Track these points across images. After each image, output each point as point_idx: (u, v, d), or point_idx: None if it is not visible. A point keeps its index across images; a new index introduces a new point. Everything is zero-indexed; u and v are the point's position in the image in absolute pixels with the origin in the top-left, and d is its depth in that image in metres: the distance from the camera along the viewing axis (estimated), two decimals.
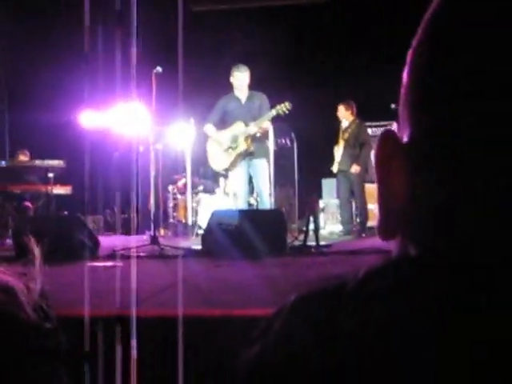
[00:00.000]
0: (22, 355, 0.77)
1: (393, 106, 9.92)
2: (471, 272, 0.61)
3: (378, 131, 13.28)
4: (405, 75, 0.72)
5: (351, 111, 11.77)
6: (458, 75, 0.64)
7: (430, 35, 0.69)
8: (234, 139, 9.68)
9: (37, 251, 0.94)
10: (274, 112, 9.44)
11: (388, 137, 0.73)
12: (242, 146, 9.63)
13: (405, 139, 0.71)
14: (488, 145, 0.62)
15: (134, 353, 2.84)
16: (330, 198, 13.85)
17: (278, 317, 0.72)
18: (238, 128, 9.67)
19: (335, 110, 11.99)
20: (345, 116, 11.82)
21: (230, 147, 9.73)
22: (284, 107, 9.38)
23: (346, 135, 11.65)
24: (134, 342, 2.90)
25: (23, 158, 12.39)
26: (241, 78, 9.72)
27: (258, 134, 9.67)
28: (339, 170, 11.96)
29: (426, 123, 0.68)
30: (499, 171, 0.61)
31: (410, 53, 0.72)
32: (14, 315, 0.79)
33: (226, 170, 10.18)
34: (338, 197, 12.64)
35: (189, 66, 8.82)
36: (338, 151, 11.83)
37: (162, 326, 3.23)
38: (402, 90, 0.73)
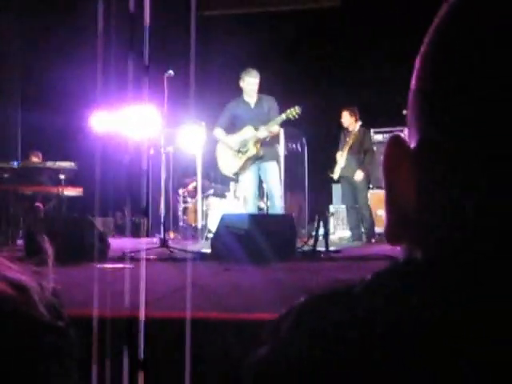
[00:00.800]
0: (34, 353, 0.78)
1: (405, 112, 9.89)
2: (477, 273, 0.61)
3: (388, 137, 13.26)
4: (413, 81, 0.73)
5: (355, 118, 11.76)
6: (465, 81, 0.64)
7: (438, 42, 0.69)
8: (244, 143, 9.68)
9: (50, 250, 0.95)
10: (283, 116, 9.43)
11: (396, 142, 0.73)
12: (252, 151, 9.64)
13: (413, 145, 0.71)
14: (496, 151, 0.61)
15: (141, 354, 2.85)
16: (339, 203, 13.84)
17: (286, 318, 0.72)
18: (248, 132, 9.67)
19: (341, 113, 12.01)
20: (349, 122, 11.79)
21: (240, 151, 9.74)
22: (294, 111, 9.37)
23: (350, 142, 11.63)
24: (141, 344, 2.91)
25: (35, 159, 12.44)
26: (251, 82, 9.72)
27: (268, 138, 9.67)
28: (342, 176, 11.96)
29: (434, 129, 0.68)
30: (507, 177, 0.61)
31: (417, 59, 0.72)
32: (28, 313, 0.79)
33: (236, 174, 10.18)
34: (343, 203, 12.62)
35: (200, 69, 8.84)
36: (342, 157, 11.81)
37: (170, 328, 3.24)
38: (410, 96, 0.73)
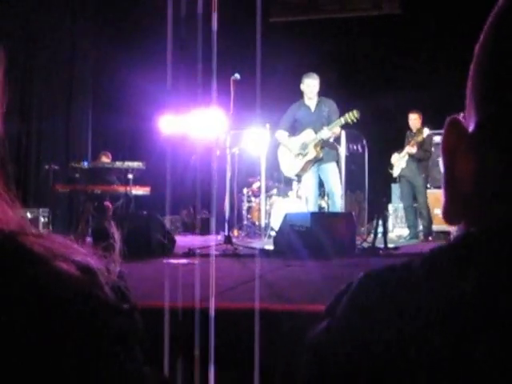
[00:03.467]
0: (100, 334, 0.78)
1: (461, 114, 9.80)
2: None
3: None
4: (472, 67, 0.74)
5: (421, 120, 11.72)
6: None
7: (496, 28, 0.70)
8: (304, 146, 9.70)
9: (117, 235, 0.97)
10: (342, 120, 9.44)
11: (454, 124, 0.75)
12: (312, 153, 9.65)
13: (471, 128, 0.73)
14: None
15: (212, 341, 2.90)
16: (399, 202, 13.75)
17: (345, 293, 0.73)
18: (308, 135, 9.69)
19: (403, 117, 11.95)
20: (416, 124, 11.75)
21: (300, 154, 9.76)
22: (352, 115, 9.37)
23: (413, 143, 11.55)
24: (212, 332, 2.96)
25: (106, 159, 12.56)
26: (311, 84, 9.73)
27: (332, 139, 9.69)
28: (402, 176, 11.90)
29: (492, 112, 0.69)
30: None
31: (477, 46, 0.74)
32: (94, 295, 0.79)
33: (297, 176, 10.21)
34: (402, 201, 12.52)
35: (266, 73, 8.89)
36: (403, 157, 11.75)
37: (238, 318, 3.28)
38: (469, 82, 0.75)
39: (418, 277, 0.67)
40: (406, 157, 11.66)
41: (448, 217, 0.76)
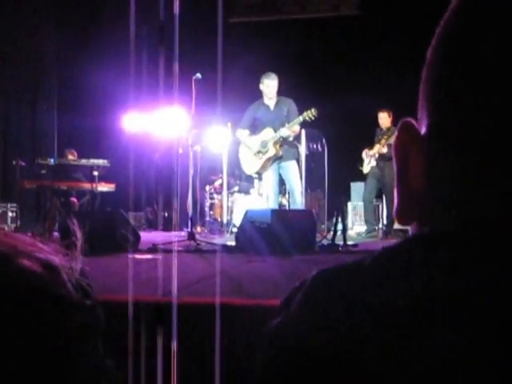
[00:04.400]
0: (61, 330, 0.77)
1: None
2: (482, 245, 0.62)
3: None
4: (424, 70, 0.75)
5: (391, 119, 11.68)
6: (473, 70, 0.66)
7: (447, 32, 0.71)
8: (264, 144, 9.73)
9: (79, 233, 0.95)
10: (300, 118, 9.49)
11: (407, 127, 0.75)
12: (272, 151, 9.69)
13: (423, 130, 0.74)
14: (503, 135, 0.64)
15: (174, 335, 2.92)
16: (358, 200, 13.83)
17: (299, 290, 0.73)
18: (268, 134, 9.73)
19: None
20: (386, 123, 11.70)
21: (260, 152, 9.79)
22: (310, 113, 9.42)
23: (383, 142, 11.53)
24: (174, 327, 2.98)
25: (71, 157, 12.55)
26: (270, 84, 9.75)
27: (292, 138, 9.72)
28: (372, 173, 11.91)
29: (443, 115, 0.70)
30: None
31: (429, 50, 0.74)
32: (56, 291, 0.79)
33: (257, 174, 10.23)
34: (365, 197, 12.50)
35: (227, 73, 8.89)
36: (371, 155, 11.75)
37: (200, 312, 3.30)
38: (421, 85, 0.75)
39: (366, 275, 0.68)
40: (377, 155, 11.68)
41: (400, 217, 0.77)
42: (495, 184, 0.65)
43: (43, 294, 0.78)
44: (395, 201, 0.77)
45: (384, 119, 11.80)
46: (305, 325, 0.67)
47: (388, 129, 11.61)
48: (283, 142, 9.68)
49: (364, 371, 0.60)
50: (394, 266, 0.66)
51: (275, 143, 9.64)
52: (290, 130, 9.53)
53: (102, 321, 0.87)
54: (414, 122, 0.75)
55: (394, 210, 0.77)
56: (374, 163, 11.75)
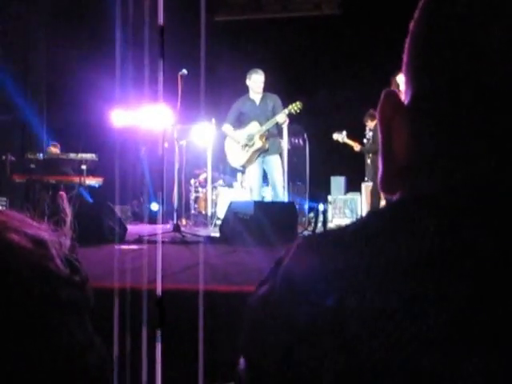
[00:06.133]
0: (50, 304, 0.77)
1: None
2: (462, 210, 0.62)
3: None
4: (407, 42, 0.75)
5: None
6: (454, 42, 0.66)
7: (430, 3, 0.71)
8: (250, 138, 9.73)
9: (68, 210, 0.97)
10: (286, 111, 9.49)
11: (390, 97, 0.75)
12: (258, 144, 9.69)
13: (406, 101, 0.74)
14: (480, 106, 0.64)
15: (159, 321, 2.92)
16: (337, 194, 13.87)
17: (285, 257, 0.73)
18: (254, 127, 9.73)
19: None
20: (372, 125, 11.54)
21: (247, 145, 9.79)
22: (295, 106, 9.43)
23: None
24: (159, 313, 2.98)
25: (54, 150, 12.53)
26: (256, 80, 9.75)
27: (274, 131, 9.73)
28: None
29: (426, 86, 0.70)
30: (487, 127, 0.64)
31: (412, 22, 0.74)
32: (45, 267, 0.78)
33: (243, 166, 10.22)
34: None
35: (212, 70, 8.88)
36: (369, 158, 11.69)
37: (184, 298, 3.30)
38: (405, 57, 0.75)
39: (350, 237, 0.67)
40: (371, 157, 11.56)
41: (384, 187, 0.77)
42: (473, 149, 0.65)
43: (31, 268, 0.77)
44: (379, 171, 0.76)
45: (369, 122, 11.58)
46: (292, 292, 0.66)
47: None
48: (268, 135, 9.69)
49: (348, 337, 0.59)
50: (382, 226, 0.65)
51: (261, 136, 9.64)
52: (282, 118, 9.50)
53: (90, 297, 0.87)
54: (396, 92, 0.75)
55: (379, 180, 0.77)
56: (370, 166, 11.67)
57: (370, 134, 11.36)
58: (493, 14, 0.64)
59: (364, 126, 11.66)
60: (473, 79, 0.65)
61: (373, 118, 11.33)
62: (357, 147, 11.47)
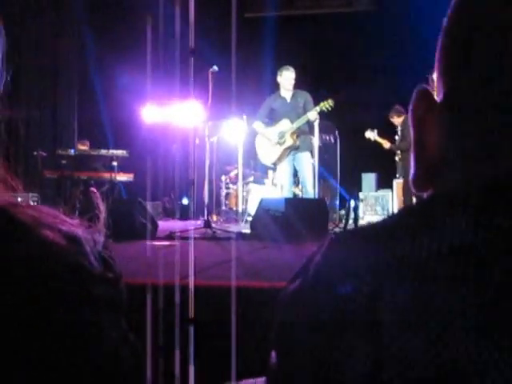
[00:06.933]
0: (85, 302, 0.77)
1: None
2: (493, 207, 0.61)
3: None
4: (440, 40, 0.75)
5: (404, 115, 11.32)
6: (488, 40, 0.66)
7: (461, 3, 0.71)
8: (281, 135, 9.75)
9: (102, 206, 0.95)
10: (317, 109, 9.49)
11: (423, 94, 0.75)
12: (289, 141, 9.70)
13: (439, 98, 0.73)
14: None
15: (191, 315, 2.92)
16: (368, 190, 13.83)
17: (316, 253, 0.73)
18: (285, 125, 9.74)
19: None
20: (400, 121, 11.39)
21: (278, 142, 9.80)
22: (327, 104, 9.43)
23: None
24: (191, 308, 2.98)
25: (83, 147, 12.61)
26: (287, 77, 9.76)
27: (307, 129, 9.73)
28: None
29: (458, 82, 0.70)
30: None
31: (445, 18, 0.74)
32: (79, 263, 0.78)
33: (274, 164, 10.23)
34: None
35: (243, 66, 8.88)
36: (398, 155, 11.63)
37: (216, 294, 3.30)
38: (437, 55, 0.75)
39: (381, 233, 0.67)
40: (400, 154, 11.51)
41: (417, 184, 0.76)
42: (506, 147, 0.65)
43: (65, 265, 0.77)
44: (411, 169, 0.76)
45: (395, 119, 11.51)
46: (326, 285, 0.66)
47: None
48: (299, 132, 9.69)
49: (381, 331, 0.59)
50: (414, 223, 0.65)
51: (292, 134, 9.66)
52: (313, 116, 9.49)
53: (124, 294, 0.86)
54: (429, 89, 0.75)
55: (411, 177, 0.77)
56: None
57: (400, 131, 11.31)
58: None
59: (392, 123, 11.58)
60: (506, 77, 0.64)
61: (399, 113, 11.28)
62: (386, 144, 11.43)
